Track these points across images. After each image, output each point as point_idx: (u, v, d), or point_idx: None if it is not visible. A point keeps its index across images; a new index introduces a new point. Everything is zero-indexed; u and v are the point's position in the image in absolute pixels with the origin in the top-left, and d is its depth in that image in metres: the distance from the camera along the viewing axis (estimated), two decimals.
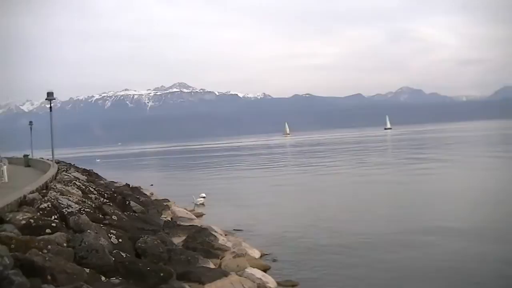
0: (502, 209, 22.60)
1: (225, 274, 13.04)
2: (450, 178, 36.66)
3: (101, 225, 14.77)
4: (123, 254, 12.27)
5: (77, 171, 39.52)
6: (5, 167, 29.31)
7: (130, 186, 36.19)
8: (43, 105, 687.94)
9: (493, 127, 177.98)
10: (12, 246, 10.35)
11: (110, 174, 54.15)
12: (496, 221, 20.25)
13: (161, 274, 11.68)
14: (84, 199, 19.01)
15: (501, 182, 32.73)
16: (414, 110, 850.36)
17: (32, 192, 17.04)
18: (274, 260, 16.74)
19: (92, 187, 25.02)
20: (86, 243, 11.76)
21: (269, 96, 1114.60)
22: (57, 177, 26.36)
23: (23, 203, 15.18)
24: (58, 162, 42.82)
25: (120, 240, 13.77)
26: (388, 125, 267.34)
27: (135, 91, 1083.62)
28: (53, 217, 13.94)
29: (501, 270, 14.17)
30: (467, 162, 47.45)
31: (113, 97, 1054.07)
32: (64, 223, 13.89)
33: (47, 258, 10.05)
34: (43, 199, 15.68)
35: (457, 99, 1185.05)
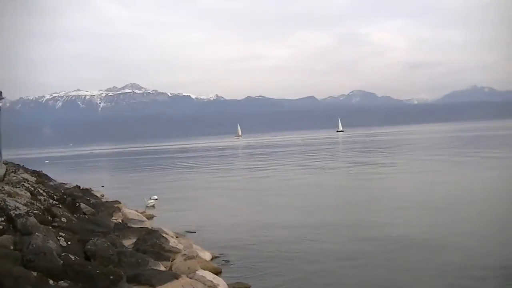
0: (448, 215, 22.77)
1: (175, 276, 12.99)
2: (396, 182, 37.08)
3: (50, 228, 14.49)
4: (72, 257, 12.05)
5: (26, 173, 38.70)
6: None
7: (81, 187, 35.58)
8: None
9: (444, 130, 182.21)
10: None
11: (60, 176, 53.14)
12: (437, 227, 20.42)
13: (111, 277, 11.58)
14: (32, 201, 18.62)
15: (449, 185, 33.28)
16: (366, 112, 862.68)
17: None
18: (226, 262, 16.77)
19: (41, 189, 24.53)
20: (34, 245, 11.59)
21: (222, 97, 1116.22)
22: (5, 179, 25.77)
23: None
24: (6, 163, 41.78)
25: (69, 242, 13.53)
26: (340, 128, 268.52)
27: (87, 91, 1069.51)
28: None
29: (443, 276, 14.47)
30: (414, 166, 47.98)
31: (65, 98, 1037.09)
32: (11, 225, 13.62)
33: None
34: None
35: (409, 102, 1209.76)
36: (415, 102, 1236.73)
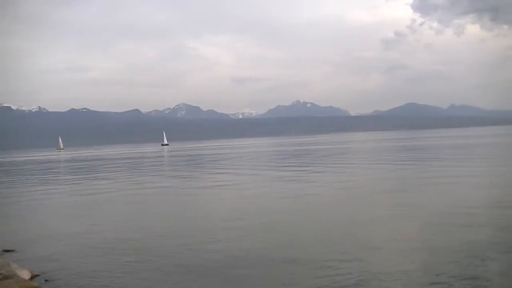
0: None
1: None
2: (210, 197, 36.41)
3: None
4: None
5: None
6: None
7: None
8: None
9: (269, 144, 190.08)
10: None
11: None
12: None
13: None
14: None
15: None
16: (191, 126, 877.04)
17: None
18: (46, 281, 15.17)
19: None
20: None
21: (45, 109, 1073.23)
22: None
23: None
24: None
25: None
26: (165, 141, 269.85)
27: None
28: None
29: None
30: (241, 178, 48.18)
31: None
32: None
33: None
34: None
35: (234, 117, 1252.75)
36: (240, 116, 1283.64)
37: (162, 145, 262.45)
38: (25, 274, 15.44)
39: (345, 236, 18.53)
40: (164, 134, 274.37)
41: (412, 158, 61.50)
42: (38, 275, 15.77)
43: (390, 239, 17.72)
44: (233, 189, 37.51)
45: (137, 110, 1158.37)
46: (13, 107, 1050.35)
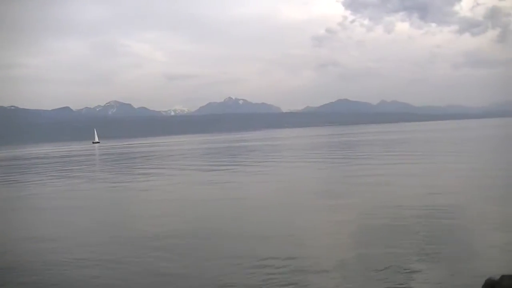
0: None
1: None
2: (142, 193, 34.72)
3: None
4: None
5: None
6: None
7: None
8: None
9: (199, 141, 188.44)
10: None
11: None
12: None
13: None
14: None
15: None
16: (123, 124, 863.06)
17: None
18: None
19: None
20: None
21: None
22: None
23: None
24: None
25: None
26: (97, 139, 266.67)
27: None
28: None
29: None
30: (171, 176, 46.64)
31: None
32: None
33: None
34: None
35: (166, 114, 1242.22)
36: (172, 113, 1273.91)
37: (93, 143, 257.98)
38: None
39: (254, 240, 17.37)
40: (96, 132, 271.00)
41: (338, 156, 61.58)
42: None
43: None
44: (160, 191, 34.82)
45: (67, 108, 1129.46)
46: None
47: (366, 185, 30.14)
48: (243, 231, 18.97)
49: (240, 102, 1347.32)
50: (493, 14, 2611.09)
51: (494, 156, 48.93)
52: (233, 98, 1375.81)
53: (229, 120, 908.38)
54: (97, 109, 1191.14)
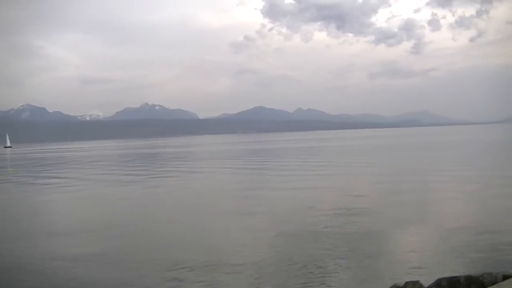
0: None
1: None
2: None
3: None
4: None
5: None
6: None
7: None
8: None
9: (114, 147, 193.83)
10: None
11: None
12: None
13: None
14: None
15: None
16: (37, 128, 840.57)
17: None
18: None
19: None
20: None
21: None
22: None
23: None
24: None
25: None
26: (9, 144, 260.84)
27: None
28: None
29: None
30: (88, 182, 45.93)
31: None
32: None
33: None
34: None
35: (82, 118, 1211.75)
36: (88, 118, 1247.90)
37: (4, 147, 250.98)
38: None
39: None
40: (7, 136, 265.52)
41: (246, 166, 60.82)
42: None
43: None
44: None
45: None
46: None
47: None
48: None
49: (157, 107, 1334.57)
50: (408, 26, 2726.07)
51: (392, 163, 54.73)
52: (150, 103, 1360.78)
53: (145, 125, 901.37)
54: (10, 112, 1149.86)
